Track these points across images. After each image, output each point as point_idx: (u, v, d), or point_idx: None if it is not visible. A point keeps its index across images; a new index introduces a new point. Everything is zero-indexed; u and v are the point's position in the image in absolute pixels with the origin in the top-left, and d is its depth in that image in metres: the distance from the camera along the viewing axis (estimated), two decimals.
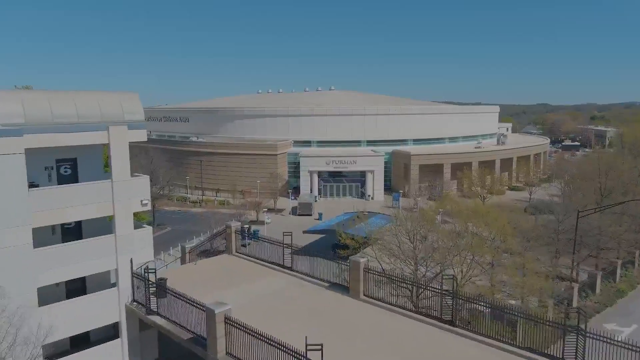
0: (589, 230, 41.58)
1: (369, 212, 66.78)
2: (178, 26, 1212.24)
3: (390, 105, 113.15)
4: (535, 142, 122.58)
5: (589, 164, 69.47)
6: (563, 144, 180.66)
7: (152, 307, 25.76)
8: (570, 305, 39.80)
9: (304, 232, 58.34)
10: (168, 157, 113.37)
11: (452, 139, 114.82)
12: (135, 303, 27.41)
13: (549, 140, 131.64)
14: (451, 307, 23.65)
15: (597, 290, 43.77)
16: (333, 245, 59.95)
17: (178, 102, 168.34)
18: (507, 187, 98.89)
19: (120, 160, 26.71)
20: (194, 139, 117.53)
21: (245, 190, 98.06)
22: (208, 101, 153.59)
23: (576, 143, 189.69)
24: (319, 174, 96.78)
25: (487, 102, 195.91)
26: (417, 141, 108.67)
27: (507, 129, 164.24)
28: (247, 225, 64.22)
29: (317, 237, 62.91)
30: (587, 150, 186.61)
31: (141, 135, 27.83)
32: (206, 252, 42.31)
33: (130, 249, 27.56)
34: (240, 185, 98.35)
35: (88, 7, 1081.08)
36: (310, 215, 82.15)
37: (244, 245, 39.44)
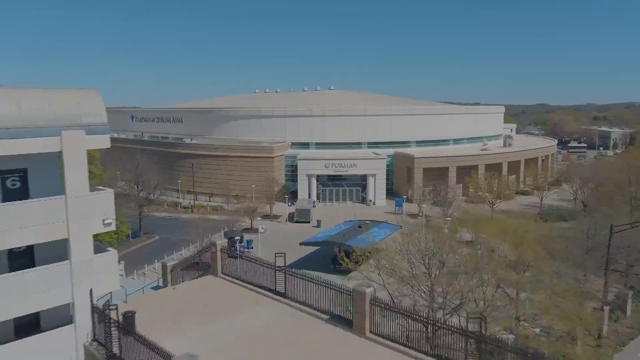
0: (620, 246, 37.02)
1: (371, 220, 62.24)
2: (177, 26, 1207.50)
3: (392, 105, 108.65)
4: (542, 144, 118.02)
5: (609, 168, 64.79)
6: (569, 145, 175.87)
7: (114, 350, 21.17)
8: (601, 332, 35.07)
9: (301, 243, 53.74)
10: (160, 159, 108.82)
11: (457, 141, 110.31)
12: (95, 343, 22.78)
13: (556, 142, 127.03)
14: (478, 353, 19.16)
15: (628, 312, 39.24)
16: (333, 258, 55.41)
17: (177, 103, 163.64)
18: (515, 192, 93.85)
19: (76, 172, 22.11)
20: (188, 140, 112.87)
21: (240, 195, 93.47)
22: (203, 101, 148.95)
23: (583, 144, 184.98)
24: (318, 177, 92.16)
25: (485, 102, 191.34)
26: (420, 143, 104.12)
27: (512, 129, 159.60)
28: (238, 237, 59.72)
29: (315, 247, 58.21)
30: (594, 151, 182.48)
31: (103, 142, 23.28)
32: (190, 270, 37.70)
33: (89, 278, 22.93)
34: (234, 189, 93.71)
35: (88, 7, 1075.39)
36: (308, 222, 77.51)
37: (233, 257, 34.79)
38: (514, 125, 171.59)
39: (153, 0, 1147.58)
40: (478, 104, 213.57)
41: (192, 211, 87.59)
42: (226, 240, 34.81)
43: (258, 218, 65.25)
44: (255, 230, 71.68)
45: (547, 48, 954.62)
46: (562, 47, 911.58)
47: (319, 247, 57.62)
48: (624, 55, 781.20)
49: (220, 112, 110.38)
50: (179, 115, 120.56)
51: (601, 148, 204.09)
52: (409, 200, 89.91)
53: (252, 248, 62.61)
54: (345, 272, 52.83)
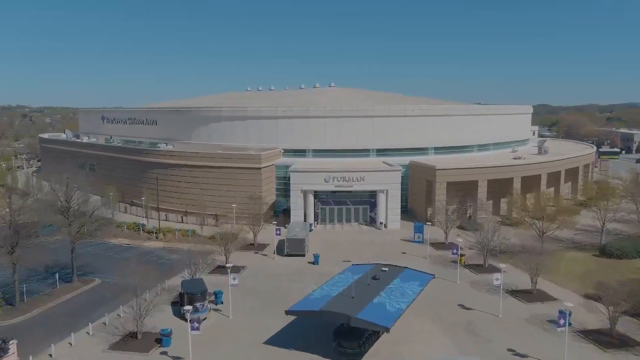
0: None
1: (390, 265, 44.21)
2: (176, 26, 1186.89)
3: (405, 105, 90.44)
4: (582, 150, 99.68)
5: None
6: (600, 150, 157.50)
7: None
8: None
9: (287, 312, 35.66)
10: (124, 169, 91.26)
11: (481, 147, 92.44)
12: None
13: (595, 147, 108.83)
14: None
15: None
16: (335, 333, 37.45)
17: (157, 102, 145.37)
18: (573, 216, 67.90)
19: None
20: (163, 146, 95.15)
21: (221, 215, 75.69)
22: (183, 100, 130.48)
23: (616, 149, 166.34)
24: (316, 193, 74.15)
25: (485, 103, 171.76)
26: (439, 150, 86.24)
27: (534, 132, 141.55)
28: (198, 295, 41.87)
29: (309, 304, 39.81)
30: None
31: None
32: None
33: None
34: (212, 208, 75.90)
35: (87, 6, 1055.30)
36: (303, 255, 59.48)
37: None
38: (535, 128, 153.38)
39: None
40: (478, 104, 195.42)
41: (156, 237, 69.43)
42: None
43: (228, 266, 46.28)
44: (235, 269, 53.68)
45: (547, 48, 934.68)
46: (562, 47, 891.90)
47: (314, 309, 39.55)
48: (626, 56, 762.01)
49: (198, 113, 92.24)
50: (153, 116, 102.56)
51: (623, 152, 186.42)
52: (429, 222, 72.11)
53: (222, 303, 44.68)
54: (355, 354, 35.02)
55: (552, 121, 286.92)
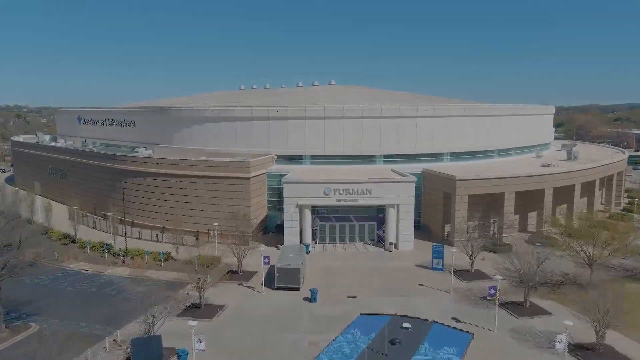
0: None
1: (413, 318, 33.05)
2: (171, 21, 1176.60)
3: (416, 104, 79.16)
4: (613, 156, 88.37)
5: None
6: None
7: None
8: None
9: None
10: (90, 178, 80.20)
11: (503, 152, 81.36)
12: None
13: (627, 153, 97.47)
14: None
15: None
16: None
17: (140, 102, 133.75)
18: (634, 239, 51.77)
19: None
20: (142, 150, 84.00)
21: (202, 232, 64.69)
22: (168, 99, 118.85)
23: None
24: (314, 208, 62.95)
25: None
26: (455, 155, 75.20)
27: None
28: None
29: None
30: None
31: None
32: None
33: None
34: (193, 224, 64.87)
35: (87, 6, 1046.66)
36: (297, 288, 48.22)
37: None
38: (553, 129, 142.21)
39: None
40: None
41: (123, 262, 58.08)
42: None
43: (191, 324, 34.33)
44: (210, 311, 42.80)
45: (548, 47, 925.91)
46: (562, 47, 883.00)
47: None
48: (626, 56, 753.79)
49: (180, 113, 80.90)
50: (131, 117, 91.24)
51: None
52: (446, 241, 61.11)
53: None
54: None
55: (556, 121, 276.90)
